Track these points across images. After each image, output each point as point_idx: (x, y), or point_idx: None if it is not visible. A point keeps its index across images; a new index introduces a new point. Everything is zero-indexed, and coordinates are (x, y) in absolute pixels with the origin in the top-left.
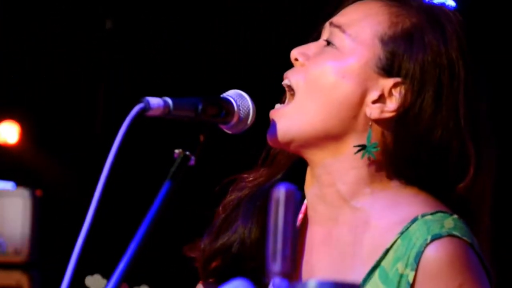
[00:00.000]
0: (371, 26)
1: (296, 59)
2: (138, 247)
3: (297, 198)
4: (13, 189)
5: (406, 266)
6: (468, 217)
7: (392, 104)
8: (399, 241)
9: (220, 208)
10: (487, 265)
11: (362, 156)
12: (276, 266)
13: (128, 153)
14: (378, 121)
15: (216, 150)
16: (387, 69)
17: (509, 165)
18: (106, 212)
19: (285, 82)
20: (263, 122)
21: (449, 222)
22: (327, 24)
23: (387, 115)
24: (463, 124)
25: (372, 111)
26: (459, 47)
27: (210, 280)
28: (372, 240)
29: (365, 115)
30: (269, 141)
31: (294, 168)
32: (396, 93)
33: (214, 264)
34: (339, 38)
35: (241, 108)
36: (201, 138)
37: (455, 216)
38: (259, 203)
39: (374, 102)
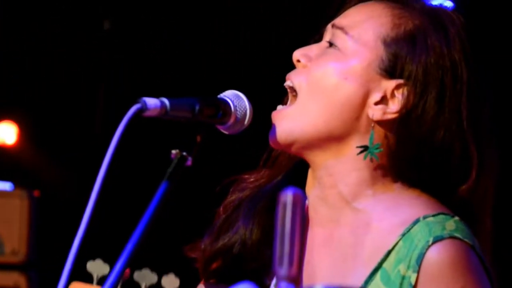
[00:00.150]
0: (373, 28)
1: (298, 61)
2: (135, 248)
3: (304, 202)
4: (11, 190)
5: (408, 267)
6: (470, 219)
7: (394, 106)
8: (400, 242)
9: (221, 209)
10: (488, 267)
11: (365, 157)
12: (282, 270)
13: (125, 154)
14: (380, 123)
15: (214, 151)
16: (389, 71)
17: (510, 166)
18: (103, 213)
19: (288, 83)
20: (263, 123)
21: (451, 224)
22: (329, 26)
23: (390, 116)
24: (465, 126)
25: (375, 112)
26: (462, 49)
27: (211, 281)
28: (373, 242)
29: (368, 117)
30: (271, 142)
31: (295, 169)
32: (398, 94)
33: (214, 265)
34: (341, 40)
35: (238, 109)
36: (198, 138)
37: (457, 218)
38: (261, 204)
39: (376, 103)
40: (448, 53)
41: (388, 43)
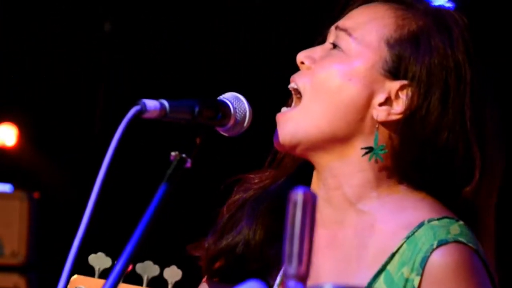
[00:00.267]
0: (377, 29)
1: (302, 63)
2: (135, 249)
3: (315, 201)
4: (10, 192)
5: (412, 270)
6: (474, 221)
7: (398, 107)
8: (405, 245)
9: (225, 208)
10: (491, 271)
11: (370, 158)
12: (291, 269)
13: (124, 156)
14: (385, 124)
15: (221, 150)
16: (393, 72)
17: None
18: (103, 214)
19: (292, 85)
20: (262, 123)
21: (455, 228)
22: (333, 27)
23: (394, 117)
24: (469, 127)
25: (379, 113)
26: (465, 50)
27: (215, 279)
28: (377, 244)
29: (372, 118)
30: (276, 145)
31: (300, 170)
32: (402, 95)
33: (217, 264)
34: (345, 41)
35: (237, 111)
36: (198, 140)
37: (461, 222)
38: (264, 205)
39: (380, 104)
40: (452, 54)
41: (391, 44)
